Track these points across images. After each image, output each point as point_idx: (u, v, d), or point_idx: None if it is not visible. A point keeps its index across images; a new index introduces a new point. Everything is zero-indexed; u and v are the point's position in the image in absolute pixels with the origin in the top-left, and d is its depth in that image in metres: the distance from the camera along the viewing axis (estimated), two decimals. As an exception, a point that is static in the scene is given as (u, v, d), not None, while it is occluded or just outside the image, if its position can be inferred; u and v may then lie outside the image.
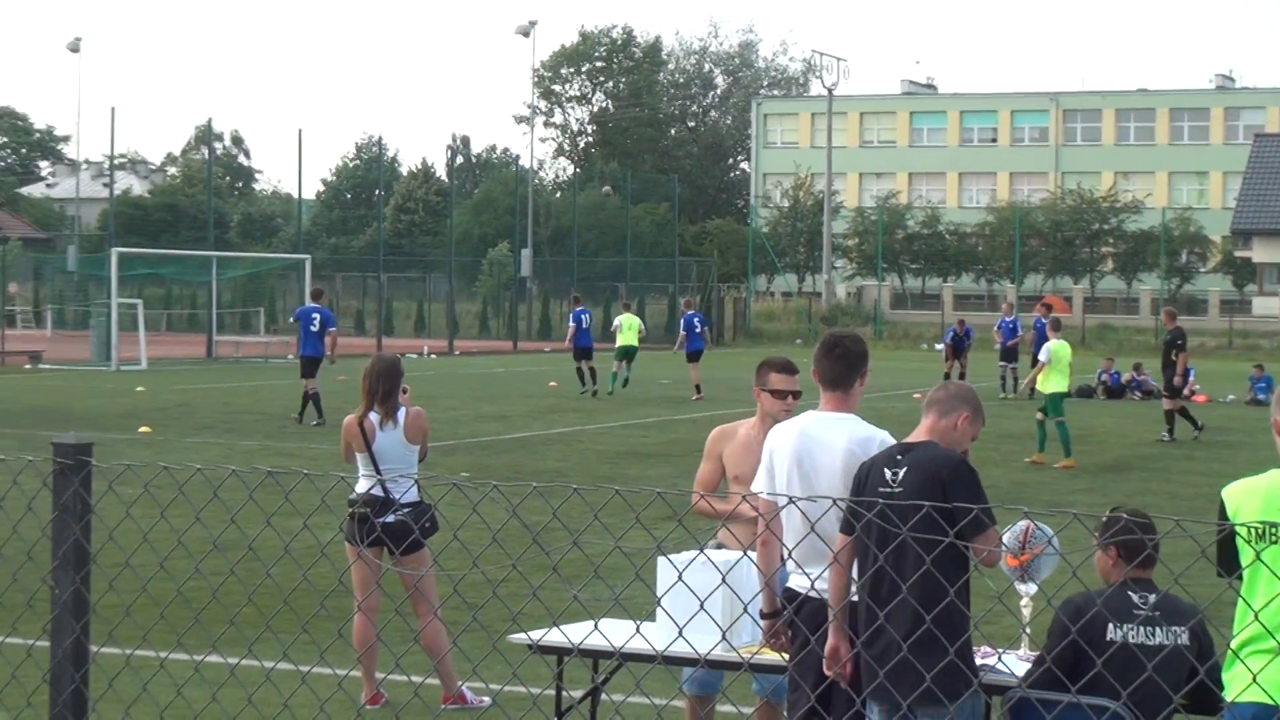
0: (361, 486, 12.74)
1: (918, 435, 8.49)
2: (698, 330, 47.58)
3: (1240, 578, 7.29)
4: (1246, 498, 7.25)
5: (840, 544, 8.32)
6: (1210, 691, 7.96)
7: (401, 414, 12.89)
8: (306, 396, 36.22)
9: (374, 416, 12.85)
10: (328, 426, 33.09)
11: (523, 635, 10.06)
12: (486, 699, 12.53)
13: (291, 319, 40.04)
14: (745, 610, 9.36)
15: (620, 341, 47.46)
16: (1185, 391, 38.98)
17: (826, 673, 8.53)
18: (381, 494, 12.56)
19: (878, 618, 7.96)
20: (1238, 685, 7.11)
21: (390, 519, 12.45)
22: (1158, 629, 8.23)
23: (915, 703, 7.96)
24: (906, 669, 7.77)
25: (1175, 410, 35.40)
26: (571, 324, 48.47)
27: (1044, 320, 46.58)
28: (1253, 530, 7.08)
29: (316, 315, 37.07)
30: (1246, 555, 7.19)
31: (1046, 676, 8.24)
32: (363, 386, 12.99)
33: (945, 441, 8.44)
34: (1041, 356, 31.16)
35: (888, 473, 8.35)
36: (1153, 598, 8.31)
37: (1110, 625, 8.22)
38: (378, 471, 12.71)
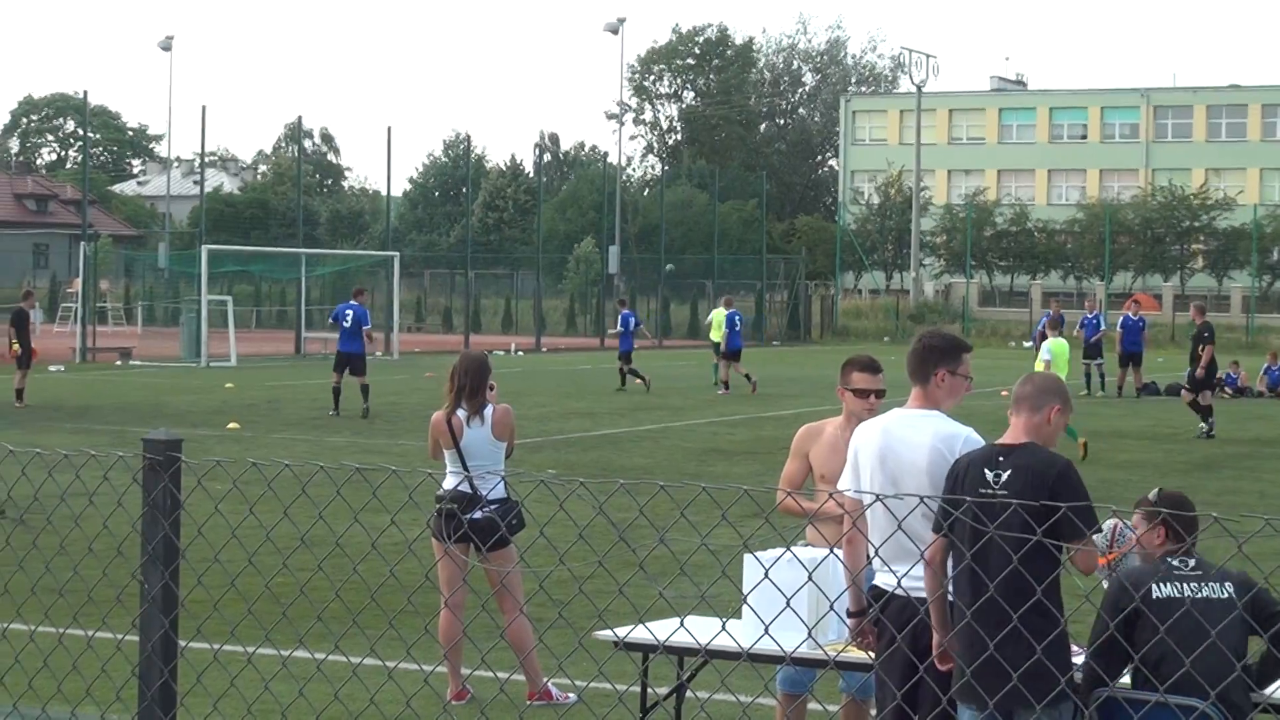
0: (449, 483, 12.76)
1: (1015, 436, 8.42)
2: (737, 328, 48.01)
3: None
4: None
5: (933, 543, 8.29)
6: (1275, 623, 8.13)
7: (489, 411, 12.90)
8: (365, 390, 37.28)
9: (461, 413, 12.88)
10: (342, 418, 35.25)
11: (608, 632, 10.06)
12: (572, 695, 12.55)
13: (330, 319, 40.76)
14: (831, 608, 9.35)
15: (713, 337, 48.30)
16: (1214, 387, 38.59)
17: (940, 668, 8.51)
18: (469, 490, 12.58)
19: (972, 617, 7.92)
20: None
21: (477, 515, 12.47)
22: (1202, 585, 8.39)
23: (1010, 704, 7.95)
24: (1001, 671, 7.74)
25: (1191, 403, 35.19)
26: (619, 327, 49.05)
27: (1132, 318, 46.42)
28: None
29: (349, 312, 38.06)
30: None
31: (1106, 645, 8.32)
32: (450, 384, 13.00)
33: (1040, 437, 8.40)
34: (1043, 355, 31.26)
35: (988, 474, 8.30)
36: (1192, 561, 8.55)
37: (1155, 585, 8.37)
38: (465, 468, 12.74)
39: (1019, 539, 7.63)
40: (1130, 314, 46.72)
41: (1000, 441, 8.46)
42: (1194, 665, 7.84)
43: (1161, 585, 8.36)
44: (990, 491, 8.18)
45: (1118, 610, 8.33)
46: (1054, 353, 30.90)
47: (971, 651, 8.02)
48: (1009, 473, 8.23)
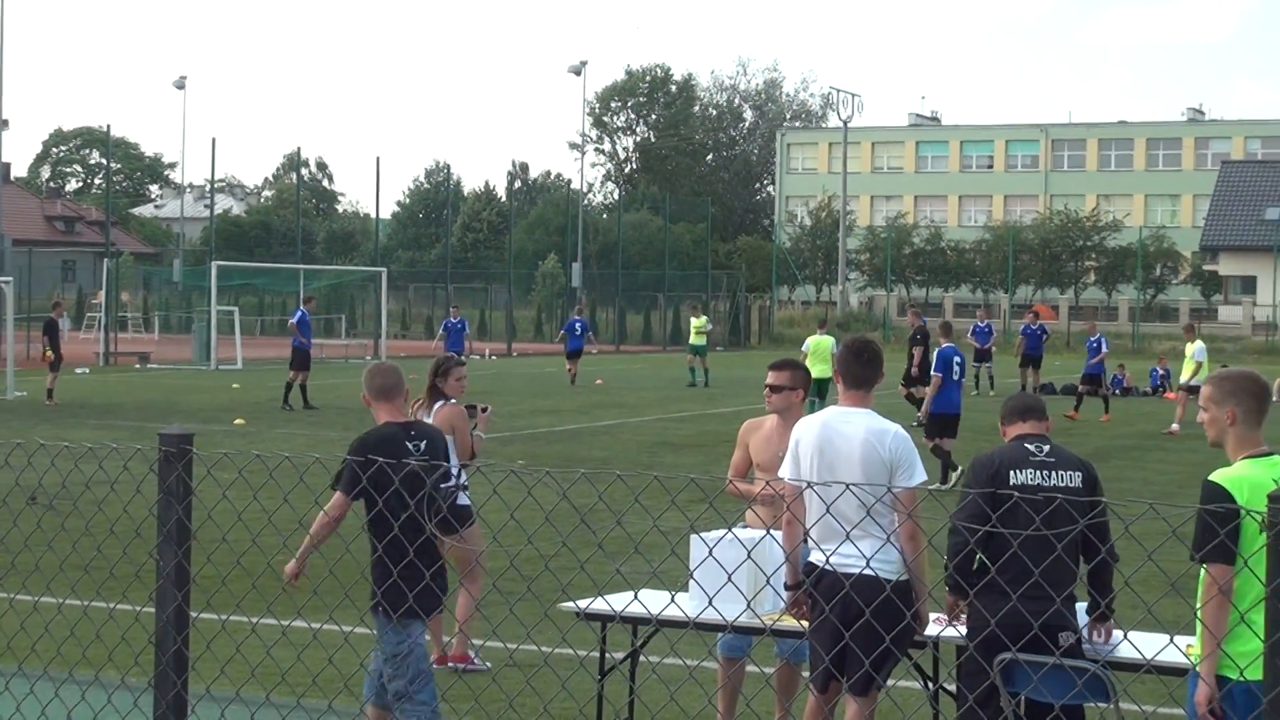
0: None
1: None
2: (578, 333, 50.27)
3: (1218, 561, 7.12)
4: (1255, 488, 7.11)
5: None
6: (1098, 533, 8.15)
7: (437, 407, 12.73)
8: (289, 385, 38.80)
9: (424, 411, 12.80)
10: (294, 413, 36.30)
11: (571, 604, 10.06)
12: (489, 663, 12.48)
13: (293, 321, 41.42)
14: (768, 582, 9.36)
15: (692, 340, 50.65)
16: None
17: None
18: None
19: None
20: (1239, 663, 6.97)
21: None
22: (1052, 473, 8.50)
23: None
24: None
25: (907, 396, 35.17)
26: (564, 330, 50.93)
27: (1031, 326, 46.52)
28: (1263, 519, 6.97)
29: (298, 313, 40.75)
30: (1254, 542, 7.01)
31: (967, 512, 8.42)
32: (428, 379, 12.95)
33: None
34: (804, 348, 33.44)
35: (1029, 446, 8.63)
36: (1046, 447, 8.65)
37: (1012, 472, 8.50)
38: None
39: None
40: (1030, 323, 46.84)
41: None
42: (1041, 557, 7.87)
43: (1018, 472, 8.48)
44: (1040, 459, 8.60)
45: (978, 485, 8.44)
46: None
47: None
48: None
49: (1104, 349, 39.53)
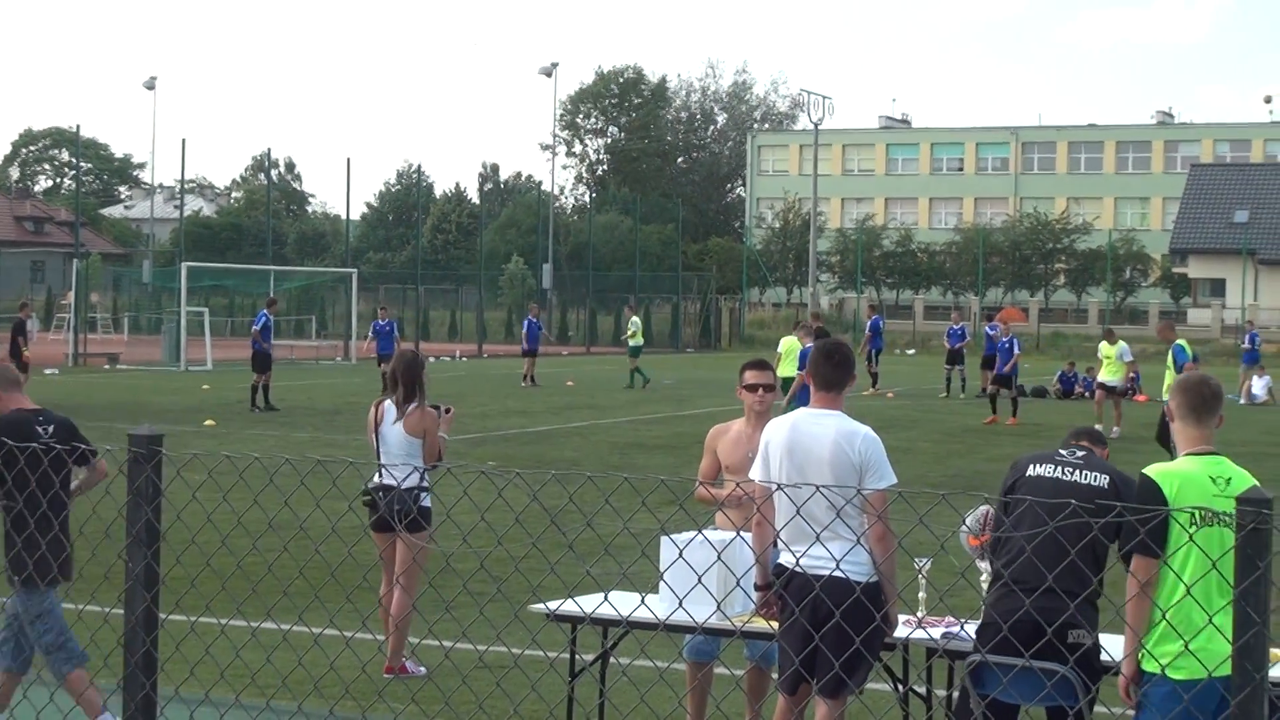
0: (375, 478, 12.63)
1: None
2: (537, 333, 51.17)
3: (1163, 556, 7.21)
4: (1185, 483, 7.21)
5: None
6: (1127, 534, 8.04)
7: (410, 409, 12.75)
8: (254, 388, 38.77)
9: (389, 406, 12.81)
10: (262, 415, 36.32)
11: (541, 605, 10.06)
12: (423, 668, 12.47)
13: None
14: (738, 584, 9.36)
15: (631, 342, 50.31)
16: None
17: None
18: (390, 482, 12.43)
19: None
20: (1181, 665, 7.04)
21: (393, 501, 12.31)
22: (1075, 471, 8.36)
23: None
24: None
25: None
26: (524, 329, 51.45)
27: (990, 331, 46.45)
28: (1193, 515, 7.04)
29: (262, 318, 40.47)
30: (1180, 537, 7.14)
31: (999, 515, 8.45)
32: (387, 379, 13.02)
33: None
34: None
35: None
36: (1081, 454, 8.53)
37: (1032, 465, 8.46)
38: (379, 456, 12.64)
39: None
40: (989, 328, 46.83)
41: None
42: (1047, 552, 7.79)
43: (1038, 465, 8.42)
44: (1065, 459, 8.48)
45: (1002, 489, 8.45)
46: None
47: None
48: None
49: (1016, 350, 39.61)
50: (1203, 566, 6.94)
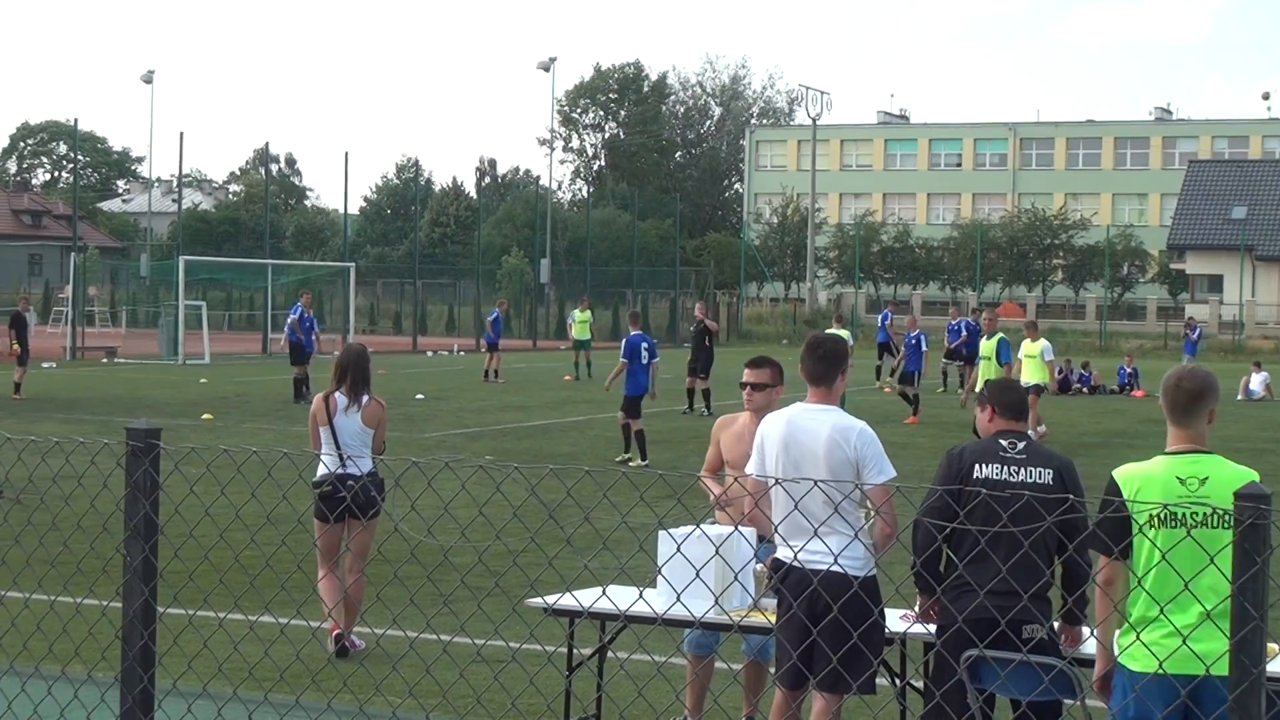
0: (323, 468, 12.69)
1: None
2: (501, 328, 51.97)
3: (1116, 554, 7.23)
4: (1146, 483, 7.20)
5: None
6: (1069, 531, 8.07)
7: (364, 401, 12.94)
8: (297, 380, 39.48)
9: (340, 398, 12.89)
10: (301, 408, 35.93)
11: (539, 599, 10.05)
12: (361, 643, 12.64)
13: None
14: (736, 578, 9.36)
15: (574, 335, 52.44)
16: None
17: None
18: (342, 471, 12.56)
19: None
20: (1133, 656, 7.07)
21: (354, 491, 12.37)
22: (1022, 469, 8.38)
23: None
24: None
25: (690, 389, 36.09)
26: (490, 322, 51.97)
27: (972, 323, 46.32)
28: (1154, 514, 7.05)
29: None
30: (1138, 535, 7.15)
31: (932, 508, 8.40)
32: (334, 371, 13.07)
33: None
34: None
35: (1003, 441, 8.52)
36: (1021, 444, 8.54)
37: (977, 465, 8.43)
38: (337, 447, 12.68)
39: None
40: (970, 320, 46.72)
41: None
42: (1006, 553, 7.93)
43: (984, 465, 8.42)
44: (1010, 455, 8.47)
45: (944, 481, 8.44)
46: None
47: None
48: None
49: (924, 347, 39.25)
50: (1161, 566, 6.93)
